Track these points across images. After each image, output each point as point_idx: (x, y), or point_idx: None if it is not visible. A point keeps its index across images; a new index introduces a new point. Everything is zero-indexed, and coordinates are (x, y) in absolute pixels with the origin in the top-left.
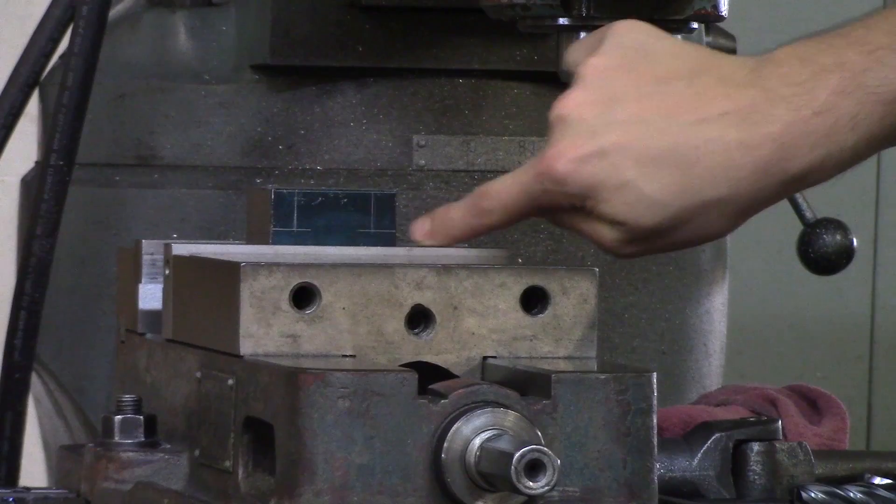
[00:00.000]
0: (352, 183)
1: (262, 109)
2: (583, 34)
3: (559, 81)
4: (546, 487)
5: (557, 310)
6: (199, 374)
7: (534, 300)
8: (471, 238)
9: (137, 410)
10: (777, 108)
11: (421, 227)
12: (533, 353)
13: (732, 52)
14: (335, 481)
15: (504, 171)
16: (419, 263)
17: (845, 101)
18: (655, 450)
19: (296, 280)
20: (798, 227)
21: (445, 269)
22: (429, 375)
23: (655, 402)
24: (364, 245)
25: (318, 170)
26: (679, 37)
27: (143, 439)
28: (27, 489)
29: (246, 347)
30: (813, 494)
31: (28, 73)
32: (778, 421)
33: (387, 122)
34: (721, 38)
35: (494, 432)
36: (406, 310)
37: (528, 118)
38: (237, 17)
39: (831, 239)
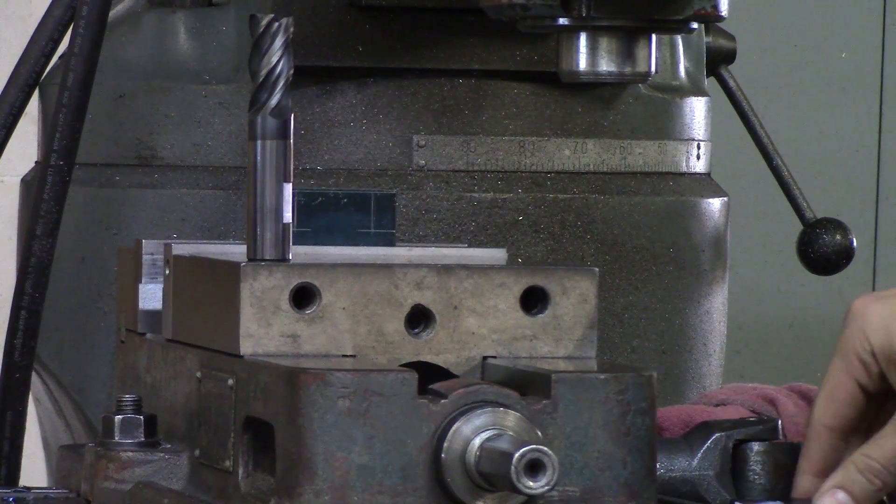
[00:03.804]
0: (352, 183)
1: None
2: (583, 34)
3: (559, 81)
4: (546, 487)
5: (557, 310)
6: (199, 374)
7: (534, 300)
8: None
9: (137, 410)
10: None
11: None
12: (533, 353)
13: (732, 52)
14: (335, 481)
15: (504, 171)
16: (419, 263)
17: None
18: (655, 450)
19: (296, 280)
20: (798, 227)
21: (445, 269)
22: (429, 375)
23: (655, 402)
24: (364, 245)
25: (318, 170)
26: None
27: (143, 439)
28: (27, 489)
29: (246, 347)
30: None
31: (28, 73)
32: (778, 421)
33: (387, 122)
34: (721, 38)
35: (494, 432)
36: (406, 310)
37: (527, 118)
38: (237, 17)
39: (831, 239)
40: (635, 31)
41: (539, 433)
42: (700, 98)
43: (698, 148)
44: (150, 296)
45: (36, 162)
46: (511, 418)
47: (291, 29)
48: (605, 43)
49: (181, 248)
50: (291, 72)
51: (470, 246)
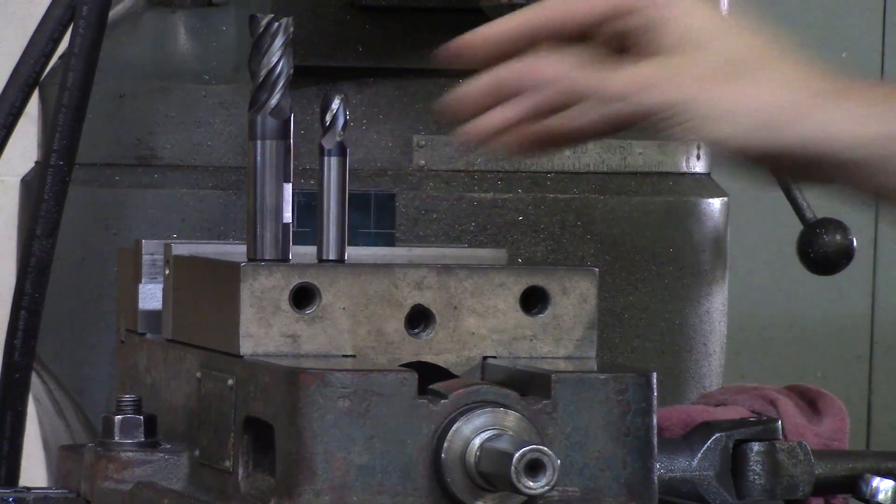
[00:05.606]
0: (352, 183)
1: None
2: None
3: None
4: (546, 487)
5: (557, 310)
6: (199, 374)
7: (534, 300)
8: None
9: (137, 410)
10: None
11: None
12: (533, 353)
13: None
14: (335, 481)
15: (504, 171)
16: (419, 263)
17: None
18: (655, 450)
19: (296, 280)
20: (798, 227)
21: (445, 269)
22: (429, 375)
23: (655, 402)
24: (364, 245)
25: (318, 170)
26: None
27: (143, 439)
28: (27, 489)
29: (246, 347)
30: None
31: (28, 73)
32: (778, 421)
33: (387, 122)
34: None
35: (494, 432)
36: (406, 310)
37: None
38: (237, 17)
39: (831, 239)
40: None
41: (539, 433)
42: None
43: (698, 148)
44: (150, 296)
45: (36, 162)
46: (511, 418)
47: (291, 29)
48: None
49: (181, 248)
50: (291, 72)
51: (470, 246)
